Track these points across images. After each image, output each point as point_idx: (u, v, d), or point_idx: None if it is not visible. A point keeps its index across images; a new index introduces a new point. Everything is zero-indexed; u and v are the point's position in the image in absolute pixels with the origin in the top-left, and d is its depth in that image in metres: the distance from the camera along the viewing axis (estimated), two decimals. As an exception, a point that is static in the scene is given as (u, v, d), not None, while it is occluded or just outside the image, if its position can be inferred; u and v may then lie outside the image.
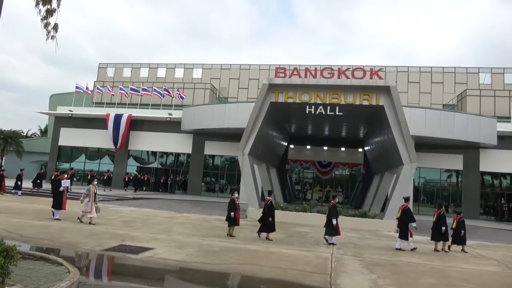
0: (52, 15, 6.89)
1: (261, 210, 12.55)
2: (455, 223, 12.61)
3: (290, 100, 18.22)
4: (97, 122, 32.17)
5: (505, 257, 11.82)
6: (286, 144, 29.58)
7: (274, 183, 26.75)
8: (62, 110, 34.13)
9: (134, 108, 34.38)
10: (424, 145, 25.13)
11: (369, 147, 27.17)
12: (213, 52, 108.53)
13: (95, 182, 13.76)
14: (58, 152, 34.10)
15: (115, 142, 31.20)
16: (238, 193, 13.63)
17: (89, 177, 27.65)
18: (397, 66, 38.71)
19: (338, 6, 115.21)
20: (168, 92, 33.35)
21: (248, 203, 18.91)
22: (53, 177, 22.54)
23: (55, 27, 6.95)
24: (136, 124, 31.69)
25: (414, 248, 11.69)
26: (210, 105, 30.64)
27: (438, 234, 12.21)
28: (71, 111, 33.31)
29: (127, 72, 43.42)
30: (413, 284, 7.70)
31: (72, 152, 34.22)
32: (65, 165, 32.84)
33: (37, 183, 23.20)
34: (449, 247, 12.40)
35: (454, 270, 9.30)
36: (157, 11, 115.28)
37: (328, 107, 18.08)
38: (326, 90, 17.82)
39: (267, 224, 12.05)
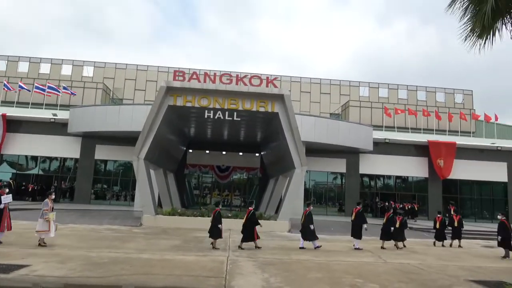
0: None
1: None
2: (398, 223, 14.48)
3: (188, 104, 18.04)
4: (-40, 122, 27.35)
5: (378, 249, 13.47)
6: (184, 148, 29.15)
7: (172, 189, 26.08)
8: None
9: (10, 106, 30.21)
10: (314, 150, 27.29)
11: (265, 152, 28.40)
12: (108, 49, 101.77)
13: (53, 196, 11.68)
14: None
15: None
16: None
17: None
18: (291, 76, 41.38)
19: (240, 14, 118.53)
20: (54, 90, 30.16)
21: (143, 210, 18.08)
22: None
23: None
24: (11, 125, 27.81)
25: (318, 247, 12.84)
26: (103, 106, 28.57)
27: (385, 234, 14.19)
28: None
29: (2, 65, 37.99)
30: (301, 279, 8.25)
31: None
32: None
33: None
34: (401, 245, 14.42)
35: (337, 264, 10.25)
36: None
37: (227, 112, 18.40)
38: (225, 96, 18.10)
39: (251, 234, 12.23)
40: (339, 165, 30.23)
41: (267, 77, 21.76)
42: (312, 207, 13.98)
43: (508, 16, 8.50)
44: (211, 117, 18.51)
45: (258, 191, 31.92)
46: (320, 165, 29.37)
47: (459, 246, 15.90)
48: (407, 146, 30.68)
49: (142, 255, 10.10)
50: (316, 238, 12.87)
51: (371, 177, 31.85)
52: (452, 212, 16.74)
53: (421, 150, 30.77)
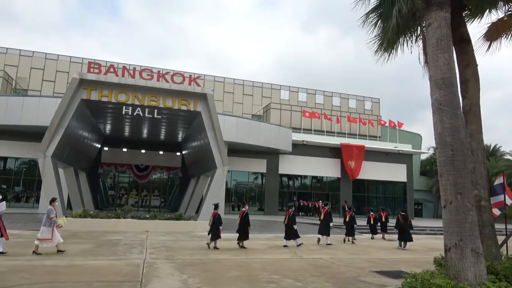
0: None
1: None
2: (348, 217, 16.63)
3: (104, 99, 16.98)
4: None
5: (294, 246, 14.06)
6: (99, 146, 27.36)
7: (84, 189, 24.30)
8: None
9: None
10: (235, 150, 27.58)
11: (187, 151, 27.93)
12: (12, 34, 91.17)
13: (56, 203, 11.42)
14: None
15: None
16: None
17: None
18: (214, 76, 41.30)
19: (165, 7, 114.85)
20: None
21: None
22: None
23: None
24: None
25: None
26: (3, 97, 25.45)
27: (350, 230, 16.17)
28: None
29: None
30: (220, 278, 8.27)
31: None
32: None
33: None
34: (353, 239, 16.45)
35: (255, 262, 10.47)
36: None
37: (147, 109, 17.73)
38: (145, 92, 17.40)
39: (245, 233, 13.13)
40: (260, 165, 30.98)
41: (190, 75, 21.47)
42: (293, 209, 14.91)
43: (408, 34, 9.52)
44: (130, 113, 17.70)
45: (179, 191, 31.27)
46: (241, 165, 29.79)
47: (383, 238, 18.72)
48: (322, 148, 32.62)
49: (46, 262, 9.22)
50: (298, 236, 13.95)
51: (290, 177, 33.23)
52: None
53: (334, 152, 32.95)
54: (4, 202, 10.85)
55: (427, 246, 16.46)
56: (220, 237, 12.64)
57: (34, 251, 10.21)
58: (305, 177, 33.73)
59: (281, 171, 31.63)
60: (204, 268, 9.23)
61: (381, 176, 34.64)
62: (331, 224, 15.28)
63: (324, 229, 15.04)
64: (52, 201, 11.28)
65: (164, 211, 25.38)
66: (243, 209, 13.84)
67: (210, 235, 12.56)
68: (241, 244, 13.12)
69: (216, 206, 13.32)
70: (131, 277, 8.09)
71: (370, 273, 9.47)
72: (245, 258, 11.03)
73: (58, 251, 10.49)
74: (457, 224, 6.30)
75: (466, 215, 6.29)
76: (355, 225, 16.74)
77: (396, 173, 35.10)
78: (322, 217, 15.48)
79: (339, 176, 33.34)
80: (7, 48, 35.70)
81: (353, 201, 32.43)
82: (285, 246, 13.64)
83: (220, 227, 12.68)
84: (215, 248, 12.39)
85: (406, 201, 35.40)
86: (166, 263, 9.75)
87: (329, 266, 10.25)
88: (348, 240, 16.28)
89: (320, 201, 32.01)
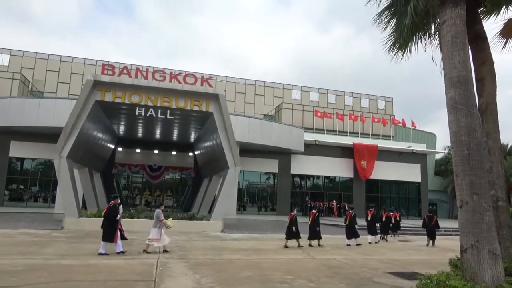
0: None
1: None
2: (369, 217, 17.07)
3: (118, 100, 17.16)
4: None
5: (307, 247, 14.01)
6: (113, 146, 27.70)
7: (98, 189, 24.65)
8: None
9: None
10: (247, 150, 27.61)
11: (199, 151, 28.07)
12: (28, 37, 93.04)
13: (163, 207, 12.85)
14: None
15: None
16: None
17: None
18: (226, 76, 41.41)
19: (179, 8, 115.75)
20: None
21: (65, 212, 16.81)
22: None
23: None
24: None
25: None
26: (20, 99, 26.02)
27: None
28: None
29: None
30: (233, 279, 8.28)
31: None
32: None
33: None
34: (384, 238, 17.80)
35: (267, 262, 10.46)
36: None
37: (159, 110, 17.86)
38: (158, 93, 17.53)
39: (315, 233, 14.34)
40: (272, 166, 30.95)
41: (202, 76, 21.60)
42: (353, 210, 16.09)
43: (423, 31, 9.38)
44: (143, 114, 17.85)
45: (191, 191, 31.43)
46: (253, 165, 29.80)
47: (398, 235, 19.94)
48: (335, 148, 32.41)
49: (62, 261, 9.37)
50: (358, 236, 15.18)
51: (302, 177, 33.10)
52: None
53: (347, 152, 32.70)
54: (121, 206, 11.80)
55: (442, 247, 16.20)
56: (300, 237, 13.81)
57: (144, 250, 11.05)
58: (318, 177, 33.55)
59: (293, 171, 31.54)
60: (217, 268, 9.26)
61: (394, 176, 34.23)
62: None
63: (372, 229, 16.34)
64: (160, 204, 12.70)
65: (177, 211, 25.54)
66: (314, 211, 15.35)
67: (292, 235, 13.74)
68: (319, 243, 14.32)
69: (292, 209, 14.96)
70: (145, 276, 8.17)
71: (384, 274, 9.37)
72: (257, 258, 11.03)
73: (164, 251, 11.24)
74: (473, 225, 6.18)
75: (482, 216, 6.17)
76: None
77: (410, 173, 34.64)
78: (369, 218, 16.63)
79: (352, 176, 33.07)
80: (23, 51, 36.44)
81: (366, 201, 32.13)
82: (348, 245, 14.79)
83: (294, 228, 13.80)
84: (285, 247, 13.43)
85: (420, 201, 34.91)
86: (179, 262, 9.81)
87: (342, 267, 10.17)
88: (384, 239, 17.66)
89: (334, 201, 31.87)
